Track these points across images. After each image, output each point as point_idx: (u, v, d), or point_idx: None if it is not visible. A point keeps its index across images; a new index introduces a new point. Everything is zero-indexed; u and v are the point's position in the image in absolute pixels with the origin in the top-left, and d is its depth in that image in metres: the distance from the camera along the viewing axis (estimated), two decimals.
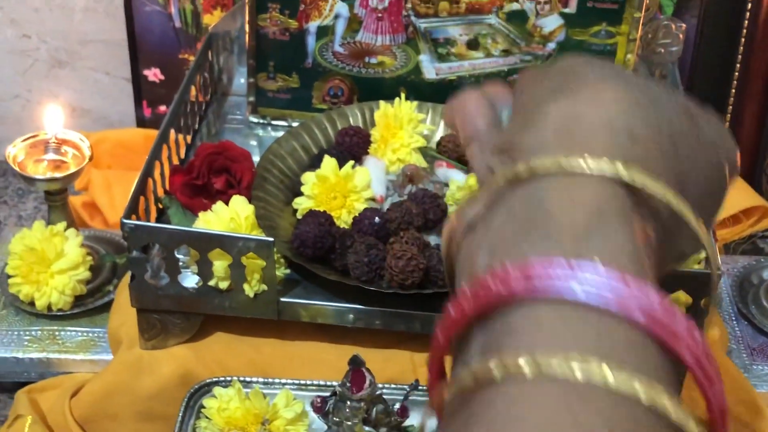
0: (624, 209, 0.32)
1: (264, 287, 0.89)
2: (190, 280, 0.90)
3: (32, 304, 1.06)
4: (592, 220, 0.31)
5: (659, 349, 0.29)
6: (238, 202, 0.91)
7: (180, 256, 0.90)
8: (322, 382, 0.91)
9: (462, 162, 1.02)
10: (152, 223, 0.91)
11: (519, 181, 0.34)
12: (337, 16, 1.08)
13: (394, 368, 0.92)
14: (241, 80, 1.20)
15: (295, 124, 1.11)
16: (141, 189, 0.92)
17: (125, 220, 0.86)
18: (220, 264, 0.87)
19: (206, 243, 0.86)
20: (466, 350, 0.30)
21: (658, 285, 0.32)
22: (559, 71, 0.38)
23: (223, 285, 0.89)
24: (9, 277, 1.06)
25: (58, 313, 1.06)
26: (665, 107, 0.36)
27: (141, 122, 1.36)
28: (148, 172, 0.94)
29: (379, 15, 1.07)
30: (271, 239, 0.85)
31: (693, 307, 0.85)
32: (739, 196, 1.22)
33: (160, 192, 0.98)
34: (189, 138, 1.09)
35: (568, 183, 0.33)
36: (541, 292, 0.28)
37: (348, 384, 0.81)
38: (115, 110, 1.45)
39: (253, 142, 1.14)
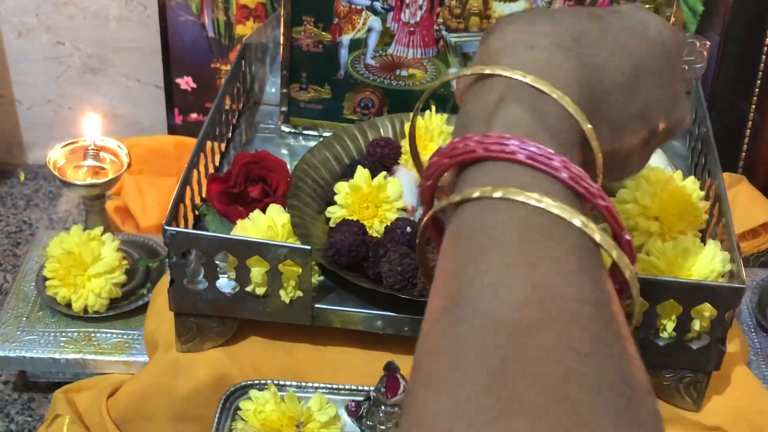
0: (520, 95, 0.44)
1: (299, 293, 0.91)
2: (226, 285, 0.93)
3: (69, 306, 1.09)
4: (498, 106, 0.44)
5: (550, 177, 0.41)
6: (275, 210, 0.94)
7: (217, 262, 0.92)
8: (354, 387, 0.94)
9: None
10: (193, 230, 0.93)
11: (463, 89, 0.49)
12: (369, 30, 1.10)
13: None
14: (272, 90, 1.23)
15: (326, 134, 1.14)
16: (180, 196, 0.94)
17: (167, 227, 0.88)
18: (257, 270, 0.90)
19: (245, 250, 0.88)
20: (450, 187, 0.44)
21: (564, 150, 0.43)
22: (486, 33, 0.51)
23: (260, 291, 0.91)
24: (46, 279, 1.09)
25: (94, 316, 1.09)
26: (564, 19, 0.47)
27: (172, 129, 1.39)
28: (186, 180, 0.96)
29: (411, 29, 1.10)
30: (308, 247, 0.88)
31: (717, 319, 0.87)
32: (757, 209, 1.25)
33: (197, 199, 1.01)
34: (223, 146, 1.12)
35: (481, 86, 0.46)
36: (494, 154, 0.41)
37: (383, 389, 0.83)
38: (145, 117, 1.48)
39: (284, 151, 1.17)
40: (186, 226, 0.96)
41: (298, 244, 0.89)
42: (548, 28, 0.47)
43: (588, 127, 0.44)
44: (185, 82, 1.34)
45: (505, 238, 0.37)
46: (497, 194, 0.38)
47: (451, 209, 0.42)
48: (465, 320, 0.34)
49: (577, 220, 0.38)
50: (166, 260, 1.17)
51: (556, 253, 0.37)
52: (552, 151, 0.40)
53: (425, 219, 0.48)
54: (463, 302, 0.35)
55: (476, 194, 0.39)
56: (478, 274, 0.36)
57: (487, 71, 0.46)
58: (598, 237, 0.39)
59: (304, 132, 1.18)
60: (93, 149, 1.10)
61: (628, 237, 0.42)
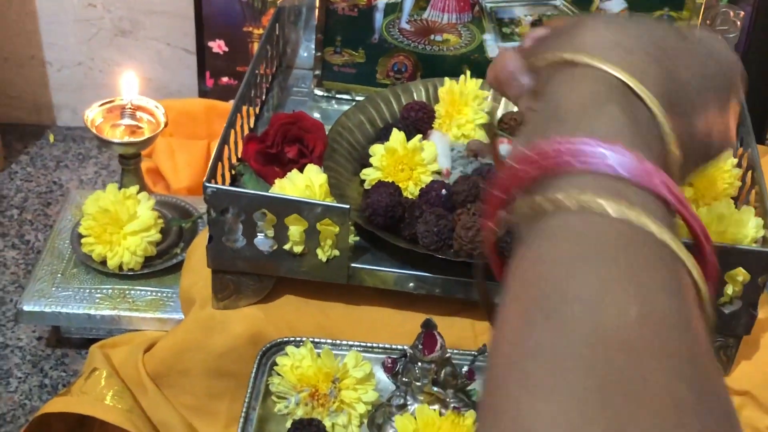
0: (616, 95, 0.42)
1: (336, 252, 0.92)
2: (264, 243, 0.94)
3: (104, 263, 1.10)
4: (594, 103, 0.42)
5: (648, 193, 0.39)
6: (312, 170, 0.95)
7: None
8: (387, 345, 0.95)
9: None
10: (233, 188, 0.94)
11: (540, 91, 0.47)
12: None
13: (456, 335, 0.96)
14: (304, 54, 1.24)
15: (358, 98, 1.15)
16: (219, 155, 0.95)
17: (207, 184, 0.89)
18: (295, 229, 0.91)
19: (284, 208, 0.90)
20: (523, 198, 0.40)
21: (658, 159, 0.41)
22: (571, 25, 0.49)
23: (298, 249, 0.92)
24: (81, 237, 1.11)
25: (128, 273, 1.10)
26: (652, 29, 0.47)
27: (203, 93, 1.40)
28: (225, 139, 0.97)
29: None
30: (347, 206, 0.89)
31: (750, 284, 0.88)
32: None
33: (233, 159, 1.02)
34: (257, 109, 1.13)
35: (570, 75, 0.44)
36: (577, 165, 0.39)
37: (420, 346, 0.84)
38: (174, 80, 1.49)
39: (317, 114, 1.17)
40: (223, 185, 0.97)
41: (336, 203, 0.90)
42: (641, 34, 0.46)
43: (674, 139, 0.43)
44: (217, 46, 1.35)
45: (607, 250, 0.36)
46: (595, 206, 0.37)
47: (529, 213, 0.39)
48: (571, 330, 0.33)
49: (674, 243, 0.37)
50: (199, 220, 1.18)
51: (659, 272, 0.36)
52: (652, 166, 0.39)
53: (492, 223, 0.44)
54: (565, 310, 0.34)
55: (571, 203, 0.37)
56: (581, 284, 0.35)
57: (587, 60, 0.44)
58: (695, 272, 0.38)
59: (337, 96, 1.19)
60: (130, 108, 1.11)
61: (714, 260, 0.41)
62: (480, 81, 1.08)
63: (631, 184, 0.38)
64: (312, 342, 0.93)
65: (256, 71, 1.10)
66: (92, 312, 1.09)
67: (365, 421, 0.89)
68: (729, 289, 0.89)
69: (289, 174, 0.95)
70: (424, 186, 0.98)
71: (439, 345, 0.84)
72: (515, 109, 1.11)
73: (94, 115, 1.10)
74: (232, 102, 1.36)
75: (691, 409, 0.32)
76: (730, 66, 0.51)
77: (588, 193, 0.37)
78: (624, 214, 0.36)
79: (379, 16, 1.13)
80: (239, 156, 1.03)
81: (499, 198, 0.42)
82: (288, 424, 0.87)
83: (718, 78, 0.49)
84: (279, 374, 0.91)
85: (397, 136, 0.99)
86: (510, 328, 0.35)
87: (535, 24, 1.12)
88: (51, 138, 1.53)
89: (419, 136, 1.00)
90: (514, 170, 0.41)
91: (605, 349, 0.32)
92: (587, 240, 0.36)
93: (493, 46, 1.13)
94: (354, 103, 1.12)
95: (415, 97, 1.11)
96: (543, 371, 0.32)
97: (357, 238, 0.96)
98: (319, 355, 0.90)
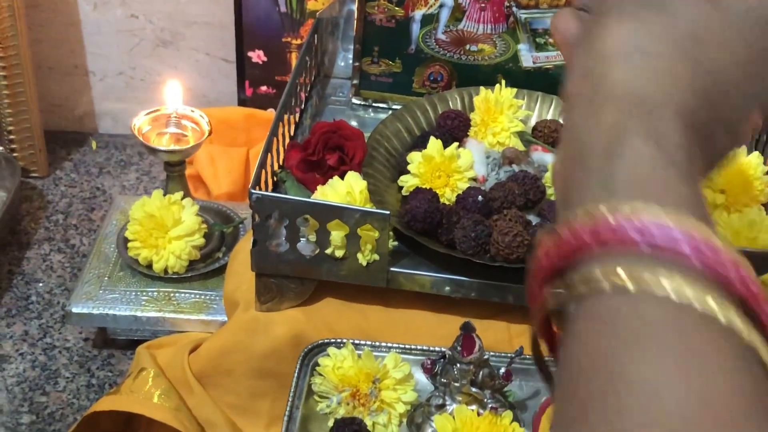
0: (639, 123, 0.39)
1: (375, 257, 0.95)
2: (306, 247, 0.97)
3: (149, 266, 1.14)
4: (617, 140, 0.38)
5: (719, 285, 0.35)
6: (353, 177, 0.98)
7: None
8: (425, 347, 0.98)
9: (556, 146, 1.08)
10: (277, 194, 0.98)
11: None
12: (441, 5, 1.14)
13: (492, 337, 0.98)
14: (341, 63, 1.27)
15: (395, 107, 1.18)
16: (263, 163, 0.98)
17: (253, 191, 0.93)
18: (337, 234, 0.94)
19: (326, 214, 0.93)
20: (574, 271, 0.37)
21: (702, 202, 0.37)
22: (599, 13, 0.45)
23: (339, 253, 0.95)
24: (127, 241, 1.14)
25: (173, 276, 1.14)
26: (684, 13, 0.43)
27: (242, 101, 1.43)
28: (269, 148, 1.00)
29: (482, 5, 1.13)
30: (388, 212, 0.92)
31: None
32: None
33: (275, 167, 1.05)
34: (297, 117, 1.16)
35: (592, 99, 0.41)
36: (644, 248, 0.35)
37: (459, 348, 0.87)
38: (213, 90, 1.53)
39: (354, 123, 1.20)
40: (266, 191, 1.00)
41: (377, 209, 0.93)
42: (666, 25, 0.43)
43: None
44: (256, 56, 1.38)
45: (658, 334, 0.33)
46: (658, 290, 0.34)
47: (583, 291, 0.36)
48: (626, 426, 0.32)
49: (736, 323, 0.34)
50: (240, 226, 1.22)
51: (720, 353, 0.33)
52: (729, 256, 0.35)
53: (540, 315, 0.41)
54: (619, 406, 0.32)
55: (610, 285, 0.34)
56: (637, 376, 0.33)
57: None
58: (764, 354, 0.34)
59: (374, 104, 1.22)
60: (175, 117, 1.14)
61: None
62: (514, 90, 1.11)
63: (701, 272, 0.34)
64: (352, 343, 0.96)
65: (297, 81, 1.13)
66: (138, 314, 1.12)
67: (404, 420, 0.92)
68: None
69: (330, 181, 0.98)
70: (460, 192, 1.01)
71: (477, 347, 0.87)
72: (549, 117, 1.14)
73: (140, 123, 1.14)
74: (271, 110, 1.41)
75: None
76: None
77: (652, 274, 0.34)
78: (687, 299, 0.33)
79: (415, 27, 1.16)
80: (281, 163, 1.06)
81: (549, 268, 0.38)
82: (330, 423, 0.90)
83: (765, 38, 0.44)
84: (321, 374, 0.94)
85: (434, 143, 1.02)
86: (566, 425, 0.34)
87: None
88: (93, 145, 1.57)
89: (456, 143, 1.03)
90: (566, 239, 0.37)
91: None
92: (641, 325, 0.34)
93: (527, 55, 1.16)
94: (391, 112, 1.15)
95: (451, 106, 1.14)
96: None
97: (396, 243, 0.99)
98: (359, 356, 0.93)
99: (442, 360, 0.90)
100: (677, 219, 0.35)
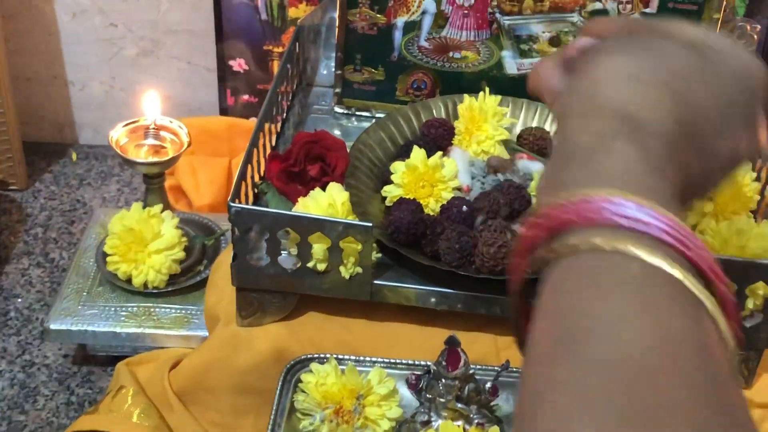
0: (628, 131, 0.43)
1: (359, 270, 0.93)
2: (288, 261, 0.95)
3: (129, 281, 1.12)
4: (608, 142, 0.43)
5: (680, 254, 0.40)
6: (335, 188, 0.96)
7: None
8: (410, 361, 0.96)
9: (541, 154, 1.06)
10: (257, 207, 0.96)
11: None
12: (424, 12, 1.12)
13: (479, 350, 0.97)
14: (323, 71, 1.25)
15: (378, 115, 1.16)
16: (243, 174, 0.96)
17: (232, 204, 0.90)
18: (319, 246, 0.92)
19: (308, 227, 0.91)
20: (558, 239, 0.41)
21: (675, 196, 0.43)
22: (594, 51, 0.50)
23: (321, 267, 0.93)
24: (106, 255, 1.12)
25: (153, 291, 1.12)
26: (671, 56, 0.48)
27: (224, 111, 1.41)
28: (249, 159, 0.98)
29: (465, 12, 1.11)
30: (370, 224, 0.90)
31: None
32: None
33: (256, 178, 1.03)
34: (278, 127, 1.14)
35: (582, 122, 0.45)
36: (602, 221, 0.40)
37: (444, 362, 0.85)
38: (195, 99, 1.51)
39: (337, 132, 1.19)
40: (246, 204, 0.98)
41: (359, 221, 0.91)
42: (656, 62, 0.47)
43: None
44: (238, 64, 1.36)
45: (623, 282, 0.38)
46: (611, 246, 0.39)
47: (551, 259, 0.41)
48: (591, 362, 0.35)
49: (689, 282, 0.38)
50: (222, 238, 1.19)
51: (674, 301, 0.38)
52: (675, 222, 0.40)
53: (519, 279, 0.46)
54: (585, 343, 0.36)
55: (587, 246, 0.39)
56: (598, 314, 0.37)
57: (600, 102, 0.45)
58: (714, 312, 0.39)
59: (357, 113, 1.20)
60: (153, 129, 1.12)
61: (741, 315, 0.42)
62: (499, 98, 1.09)
63: (660, 241, 0.39)
64: (336, 358, 0.94)
65: (278, 90, 1.11)
66: (118, 330, 1.10)
67: None
68: (750, 303, 0.89)
69: (311, 192, 0.96)
70: (445, 202, 0.99)
71: (462, 361, 0.85)
72: (534, 125, 1.12)
73: (118, 135, 1.12)
74: (253, 119, 1.38)
75: (711, 431, 0.33)
76: (755, 78, 0.50)
77: (624, 241, 0.39)
78: (652, 259, 0.38)
79: (398, 35, 1.14)
80: (262, 174, 1.04)
81: (533, 239, 0.43)
82: None
83: (743, 94, 0.49)
84: (304, 391, 0.92)
85: (417, 153, 1.00)
86: (536, 362, 0.38)
87: (552, 41, 1.13)
88: (74, 156, 1.55)
89: (440, 152, 1.01)
90: (527, 236, 0.43)
91: (624, 378, 0.34)
92: (606, 273, 0.38)
93: (511, 62, 1.14)
94: (374, 121, 1.13)
95: (435, 114, 1.12)
96: (566, 404, 0.34)
97: (379, 255, 0.97)
98: (343, 371, 0.91)
99: (427, 375, 0.88)
100: (650, 204, 0.40)
